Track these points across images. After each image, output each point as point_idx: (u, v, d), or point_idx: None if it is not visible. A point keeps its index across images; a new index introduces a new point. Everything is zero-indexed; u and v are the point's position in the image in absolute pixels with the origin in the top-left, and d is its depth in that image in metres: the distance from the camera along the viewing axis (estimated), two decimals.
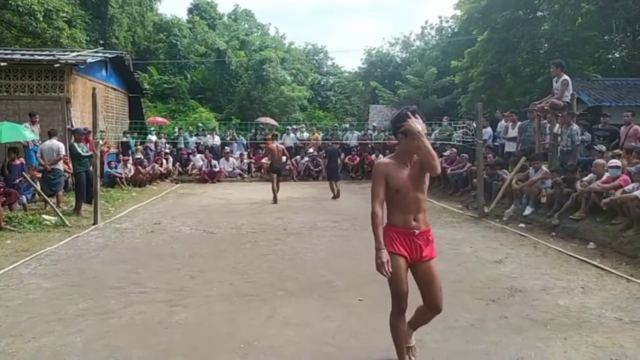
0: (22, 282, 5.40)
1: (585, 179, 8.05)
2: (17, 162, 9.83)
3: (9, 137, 9.41)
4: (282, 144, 17.90)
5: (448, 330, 4.03)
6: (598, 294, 4.91)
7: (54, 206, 9.20)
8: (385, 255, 3.11)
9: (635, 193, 6.70)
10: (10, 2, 17.70)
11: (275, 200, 12.05)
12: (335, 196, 12.71)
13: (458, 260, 6.30)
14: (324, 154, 15.28)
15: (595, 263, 6.06)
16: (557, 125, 9.66)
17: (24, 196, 9.59)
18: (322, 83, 38.68)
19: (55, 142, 10.14)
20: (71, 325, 4.17)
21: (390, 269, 3.11)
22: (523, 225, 8.47)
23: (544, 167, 9.19)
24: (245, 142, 19.72)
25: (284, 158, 13.95)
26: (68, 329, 4.07)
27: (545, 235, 7.70)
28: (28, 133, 10.08)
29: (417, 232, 3.19)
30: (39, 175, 10.16)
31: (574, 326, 4.09)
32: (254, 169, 18.10)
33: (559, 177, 8.55)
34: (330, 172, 13.59)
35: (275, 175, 12.44)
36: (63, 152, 10.17)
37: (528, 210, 8.86)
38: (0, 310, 4.49)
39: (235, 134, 20.25)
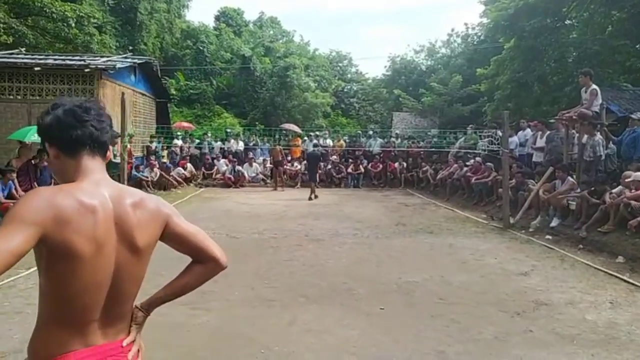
0: None
1: (614, 190, 7.86)
2: (47, 163, 10.12)
3: None
4: (305, 150, 18.42)
5: (471, 342, 3.97)
6: (628, 310, 4.77)
7: None
8: None
9: None
10: (45, 9, 18.29)
11: (275, 188, 16.16)
12: (311, 197, 13.94)
13: (482, 272, 6.20)
14: (307, 158, 16.93)
15: (624, 278, 5.89)
16: (586, 135, 9.47)
17: None
18: (345, 90, 38.70)
19: None
20: None
21: None
22: (550, 237, 8.29)
23: (570, 178, 9.00)
24: (269, 147, 19.85)
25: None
26: None
27: (573, 248, 7.52)
28: None
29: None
30: None
31: (602, 342, 3.98)
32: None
33: (588, 188, 8.36)
34: (310, 175, 15.31)
35: (277, 170, 16.66)
36: None
37: (555, 222, 8.68)
38: (29, 308, 4.60)
39: (258, 140, 20.42)
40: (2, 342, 3.88)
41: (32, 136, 9.77)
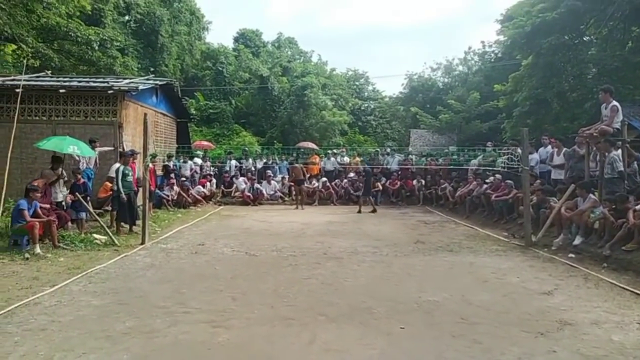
0: (73, 298, 5.62)
1: (637, 207, 7.70)
2: (81, 181, 10.34)
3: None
4: (323, 168, 18.53)
5: None
6: None
7: (105, 226, 9.57)
8: None
9: None
10: (70, 33, 18.93)
11: (297, 207, 16.29)
12: (374, 210, 15.10)
13: (504, 291, 6.11)
14: (363, 173, 16.78)
15: None
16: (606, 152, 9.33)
17: (83, 213, 10.01)
18: (362, 108, 38.94)
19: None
20: (119, 342, 4.30)
21: None
22: (573, 255, 8.14)
23: (592, 196, 8.85)
24: (287, 165, 19.95)
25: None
26: (116, 347, 4.20)
27: (597, 267, 7.37)
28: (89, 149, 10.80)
29: None
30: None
31: None
32: (294, 192, 18.30)
33: (610, 206, 8.22)
34: (364, 191, 15.82)
35: (298, 187, 16.79)
36: (110, 173, 10.59)
37: (578, 240, 8.52)
38: (54, 325, 4.69)
39: (276, 159, 20.58)
40: (28, 359, 3.95)
41: (69, 147, 9.51)
